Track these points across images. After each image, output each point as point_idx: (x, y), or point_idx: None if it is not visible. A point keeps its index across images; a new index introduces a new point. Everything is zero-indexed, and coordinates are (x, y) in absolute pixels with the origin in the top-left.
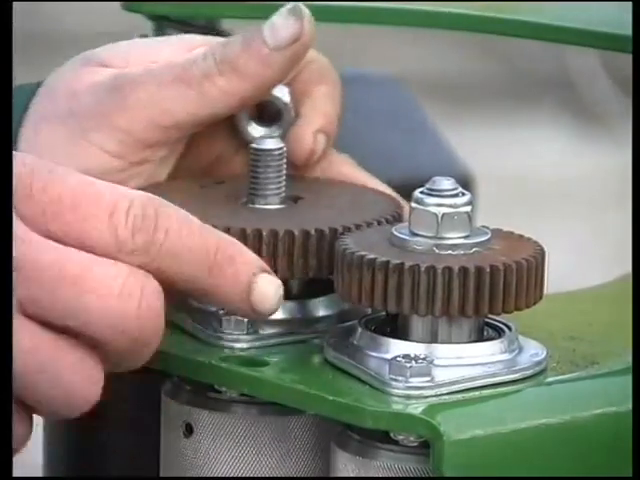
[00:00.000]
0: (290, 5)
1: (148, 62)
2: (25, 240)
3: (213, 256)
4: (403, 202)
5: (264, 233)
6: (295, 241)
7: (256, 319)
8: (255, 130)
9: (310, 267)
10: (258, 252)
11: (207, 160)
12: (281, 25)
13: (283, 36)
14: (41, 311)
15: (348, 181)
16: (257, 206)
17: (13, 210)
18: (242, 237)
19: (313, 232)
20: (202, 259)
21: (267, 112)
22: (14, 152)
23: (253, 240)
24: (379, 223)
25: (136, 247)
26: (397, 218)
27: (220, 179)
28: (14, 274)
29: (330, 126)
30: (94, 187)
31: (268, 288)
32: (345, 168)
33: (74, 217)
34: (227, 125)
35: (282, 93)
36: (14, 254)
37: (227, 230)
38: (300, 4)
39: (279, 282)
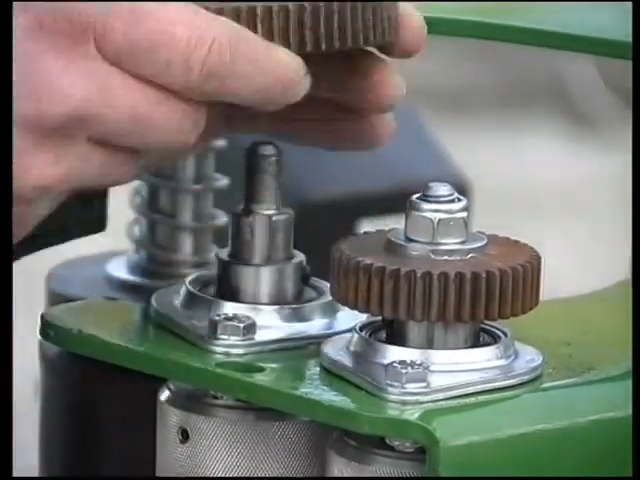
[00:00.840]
0: None
1: None
2: (109, 76)
3: (274, 88)
4: None
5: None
6: (290, 15)
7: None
8: None
9: (306, 41)
10: (254, 29)
11: None
12: None
13: None
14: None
15: None
16: None
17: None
18: (235, 15)
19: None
20: (264, 92)
21: None
22: None
23: (247, 17)
24: None
25: (203, 92)
26: None
27: None
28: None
29: None
30: (173, 29)
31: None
32: None
33: (149, 58)
34: None
35: None
36: (92, 104)
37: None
38: None
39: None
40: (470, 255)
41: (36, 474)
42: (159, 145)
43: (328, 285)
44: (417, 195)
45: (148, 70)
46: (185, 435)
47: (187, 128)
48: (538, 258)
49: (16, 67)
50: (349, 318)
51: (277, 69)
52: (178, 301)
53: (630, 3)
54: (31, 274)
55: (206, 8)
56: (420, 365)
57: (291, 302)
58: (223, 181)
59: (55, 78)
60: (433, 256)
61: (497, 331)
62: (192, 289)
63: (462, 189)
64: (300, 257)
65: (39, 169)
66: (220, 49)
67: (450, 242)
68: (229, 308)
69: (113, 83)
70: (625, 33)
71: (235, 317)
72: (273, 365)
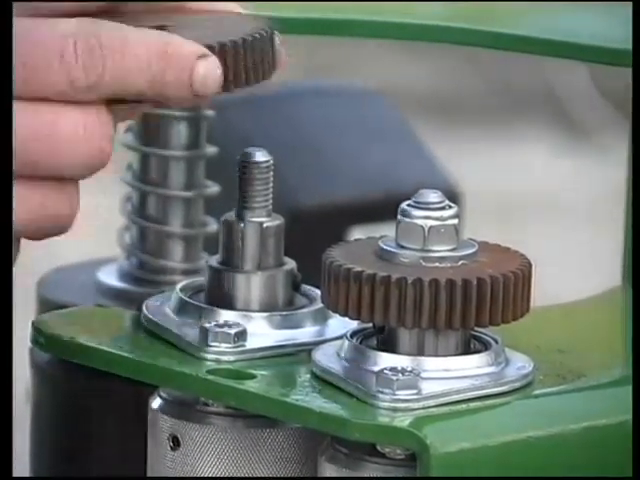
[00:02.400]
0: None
1: None
2: None
3: (156, 63)
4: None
5: None
6: None
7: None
8: None
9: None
10: None
11: None
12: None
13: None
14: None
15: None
16: None
17: None
18: None
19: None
20: (146, 70)
21: None
22: None
23: None
24: (248, 40)
25: (89, 83)
26: (267, 36)
27: None
28: None
29: None
30: (33, 38)
31: (207, 75)
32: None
33: (26, 74)
34: None
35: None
36: None
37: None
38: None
39: (215, 62)
40: (461, 262)
41: None
42: (78, 166)
43: (319, 292)
44: (408, 202)
45: (30, 86)
46: (176, 442)
47: (96, 136)
48: (529, 265)
49: None
50: (340, 325)
51: (148, 41)
52: (169, 308)
53: (622, 8)
54: (23, 281)
55: None
56: (411, 372)
57: (282, 309)
58: (214, 188)
59: None
60: (424, 263)
61: (488, 338)
62: (183, 296)
63: (453, 196)
64: (291, 264)
65: None
66: (85, 37)
67: (441, 249)
68: (220, 315)
69: None
70: (617, 39)
71: (226, 324)
72: (264, 372)
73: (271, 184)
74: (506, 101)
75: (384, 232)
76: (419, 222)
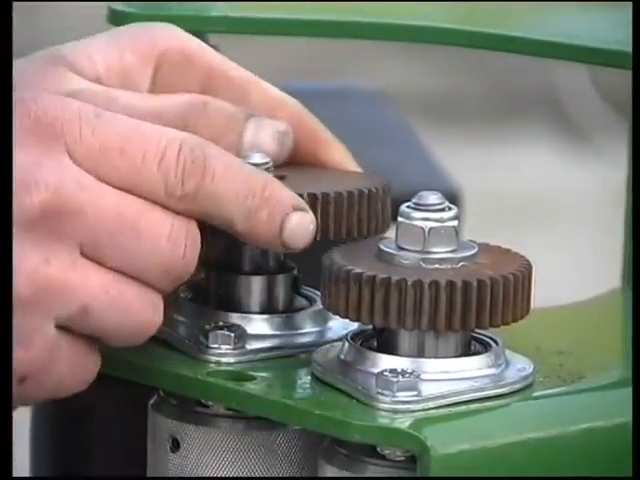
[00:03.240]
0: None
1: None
2: (82, 184)
3: (251, 199)
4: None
5: None
6: None
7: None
8: None
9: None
10: None
11: None
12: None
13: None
14: (98, 254)
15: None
16: None
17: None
18: None
19: (305, 195)
20: (242, 202)
21: None
22: (59, 97)
23: None
24: (364, 192)
25: (185, 193)
26: (383, 190)
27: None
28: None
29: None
30: (141, 131)
31: (299, 226)
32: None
33: (123, 162)
34: None
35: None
36: (68, 195)
37: None
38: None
39: (311, 218)
40: (461, 264)
41: None
42: (157, 267)
43: (319, 294)
44: (408, 204)
45: (122, 174)
46: (176, 444)
47: (180, 240)
48: (529, 267)
49: None
50: (340, 327)
51: (251, 175)
52: (169, 310)
53: (624, 8)
54: None
55: None
56: (411, 374)
57: (282, 311)
58: None
59: (27, 172)
60: (424, 265)
61: (488, 339)
62: (183, 297)
63: (453, 197)
64: (291, 266)
65: (28, 268)
66: (191, 146)
67: (441, 251)
68: (220, 317)
69: (85, 182)
70: (618, 41)
71: (226, 326)
72: (264, 374)
73: None
74: (506, 103)
75: (385, 234)
76: (419, 224)
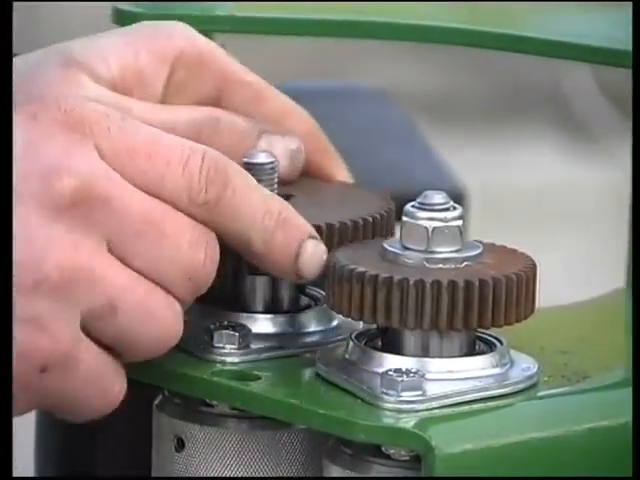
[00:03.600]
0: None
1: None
2: (110, 178)
3: (269, 219)
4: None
5: None
6: None
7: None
8: None
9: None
10: None
11: None
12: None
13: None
14: (123, 252)
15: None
16: None
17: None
18: None
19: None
20: (260, 220)
21: None
22: (85, 100)
23: None
24: (369, 220)
25: (207, 200)
26: (387, 216)
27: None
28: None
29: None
30: (166, 139)
31: (314, 255)
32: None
33: (149, 165)
34: None
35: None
36: (98, 185)
37: None
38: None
39: (324, 248)
40: (465, 264)
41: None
42: (178, 273)
43: (323, 293)
44: (412, 203)
45: (147, 177)
46: (181, 443)
47: (201, 248)
48: (534, 267)
49: (16, 154)
50: (345, 326)
51: (267, 196)
52: None
53: (623, 9)
54: None
55: None
56: (415, 373)
57: (287, 310)
58: None
59: (59, 159)
60: (427, 264)
61: (493, 339)
62: None
63: (458, 197)
64: None
65: (58, 252)
66: (213, 157)
67: (445, 250)
68: (225, 316)
69: (114, 176)
70: (621, 40)
71: (231, 325)
72: (269, 373)
73: (276, 185)
74: (510, 102)
75: None
76: (423, 223)
